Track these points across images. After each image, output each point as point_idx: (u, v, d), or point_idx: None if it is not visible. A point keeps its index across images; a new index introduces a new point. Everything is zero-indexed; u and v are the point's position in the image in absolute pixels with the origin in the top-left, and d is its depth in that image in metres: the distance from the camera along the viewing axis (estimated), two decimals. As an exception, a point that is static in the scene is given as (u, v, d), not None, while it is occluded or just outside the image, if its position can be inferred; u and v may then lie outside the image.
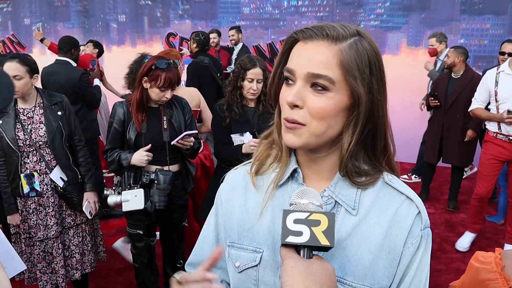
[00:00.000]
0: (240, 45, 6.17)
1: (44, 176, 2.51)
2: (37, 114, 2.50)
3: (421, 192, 4.75)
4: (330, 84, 0.75)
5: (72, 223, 2.62)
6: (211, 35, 6.09)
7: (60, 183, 2.51)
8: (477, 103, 3.51)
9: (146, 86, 2.42)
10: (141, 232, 2.61)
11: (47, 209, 2.53)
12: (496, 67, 3.45)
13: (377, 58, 0.78)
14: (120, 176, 2.53)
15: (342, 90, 0.76)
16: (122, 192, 2.45)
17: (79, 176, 2.62)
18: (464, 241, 3.70)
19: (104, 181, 4.58)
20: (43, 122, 2.48)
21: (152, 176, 2.44)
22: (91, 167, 2.71)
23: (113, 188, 2.53)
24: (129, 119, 2.46)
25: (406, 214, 0.81)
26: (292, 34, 0.80)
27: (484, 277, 1.36)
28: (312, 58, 0.75)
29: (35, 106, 2.51)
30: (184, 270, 3.02)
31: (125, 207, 2.44)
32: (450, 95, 4.26)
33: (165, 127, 2.50)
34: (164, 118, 2.50)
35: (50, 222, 2.52)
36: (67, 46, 3.92)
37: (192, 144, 2.52)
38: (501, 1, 5.41)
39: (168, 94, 2.43)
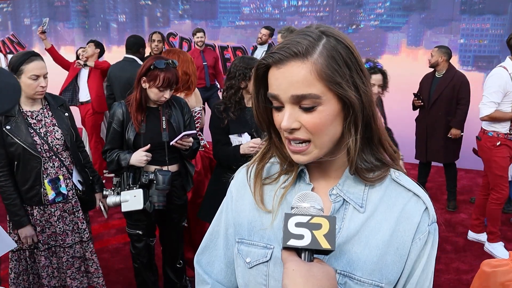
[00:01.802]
0: (266, 46, 5.84)
1: (68, 181, 2.44)
2: (47, 117, 2.37)
3: None
4: (316, 99, 0.75)
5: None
6: (198, 34, 5.96)
7: (79, 186, 2.49)
8: (493, 106, 3.36)
9: (145, 86, 2.41)
10: (140, 232, 2.61)
11: (76, 214, 2.47)
12: (502, 67, 3.35)
13: (350, 51, 0.77)
14: (119, 176, 2.52)
15: (329, 99, 0.76)
16: (121, 193, 2.45)
17: (90, 178, 2.62)
18: (502, 250, 3.61)
19: (104, 181, 4.57)
20: (56, 124, 2.37)
21: (151, 176, 2.43)
22: (94, 169, 2.70)
23: (112, 188, 2.53)
24: (128, 120, 2.45)
25: (414, 210, 0.83)
26: (262, 61, 0.79)
27: (502, 279, 1.35)
28: (290, 80, 0.75)
29: (42, 108, 2.38)
30: (184, 270, 3.01)
31: (124, 208, 2.43)
32: (432, 94, 4.33)
33: (164, 127, 2.49)
34: (163, 118, 2.50)
35: (82, 225, 2.49)
36: (136, 46, 4.31)
37: (191, 144, 2.51)
38: (501, 1, 5.41)
39: (167, 94, 2.42)
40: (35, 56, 2.29)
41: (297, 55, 0.75)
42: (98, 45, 5.29)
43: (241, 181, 0.97)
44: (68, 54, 7.78)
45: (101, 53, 5.39)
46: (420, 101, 4.40)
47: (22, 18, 8.42)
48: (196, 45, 6.04)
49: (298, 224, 0.72)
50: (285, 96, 0.76)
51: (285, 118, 0.77)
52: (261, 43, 5.84)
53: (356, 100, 0.77)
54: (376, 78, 2.97)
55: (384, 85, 3.03)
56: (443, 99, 4.27)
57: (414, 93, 4.50)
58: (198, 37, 5.96)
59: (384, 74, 2.99)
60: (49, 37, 5.42)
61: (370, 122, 0.81)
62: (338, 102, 0.77)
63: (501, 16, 5.45)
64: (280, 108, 0.79)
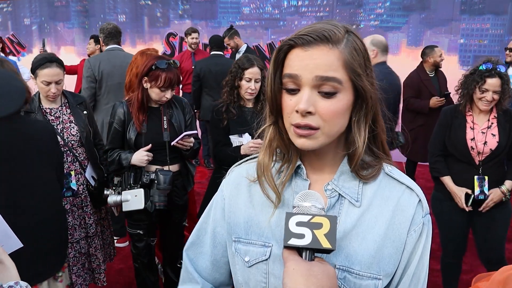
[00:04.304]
0: (244, 47, 5.50)
1: (80, 176, 2.53)
2: (65, 114, 2.49)
3: None
4: (338, 85, 0.77)
5: (98, 219, 2.67)
6: (193, 35, 5.55)
7: (92, 182, 2.54)
8: None
9: (146, 86, 2.42)
10: (141, 232, 2.61)
11: (84, 208, 2.55)
12: None
13: (365, 50, 0.81)
14: (120, 176, 2.53)
15: (347, 89, 0.79)
16: (122, 192, 2.46)
17: (105, 175, 2.66)
18: None
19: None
20: (73, 121, 2.48)
21: (152, 176, 2.44)
22: None
23: (113, 188, 2.53)
24: (129, 119, 2.46)
25: (408, 203, 0.85)
26: (288, 41, 0.80)
27: None
28: (318, 62, 0.76)
29: (61, 106, 2.50)
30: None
31: (125, 207, 2.44)
32: (442, 93, 4.37)
33: (165, 127, 2.50)
34: (164, 118, 2.50)
35: (89, 220, 2.55)
36: (222, 43, 4.97)
37: (191, 144, 2.52)
38: (501, 1, 5.41)
39: (168, 94, 2.43)
40: (50, 62, 2.37)
41: (328, 40, 0.77)
42: (98, 41, 4.98)
43: (234, 180, 0.97)
44: (68, 54, 7.79)
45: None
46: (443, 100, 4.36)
47: (22, 18, 8.42)
48: (189, 47, 5.64)
49: (299, 224, 0.73)
50: (308, 77, 0.76)
51: (303, 100, 0.77)
52: (237, 50, 5.37)
53: (372, 93, 0.80)
54: (491, 83, 2.46)
55: (503, 93, 2.47)
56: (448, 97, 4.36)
57: (445, 93, 4.40)
58: (193, 38, 5.56)
59: (503, 79, 2.46)
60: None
61: (377, 120, 0.83)
62: (353, 94, 0.80)
63: (501, 16, 5.45)
64: (294, 92, 0.79)
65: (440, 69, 4.47)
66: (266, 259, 0.87)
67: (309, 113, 0.77)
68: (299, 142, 0.80)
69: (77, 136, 2.49)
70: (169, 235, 2.79)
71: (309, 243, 0.71)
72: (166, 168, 2.50)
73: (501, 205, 2.63)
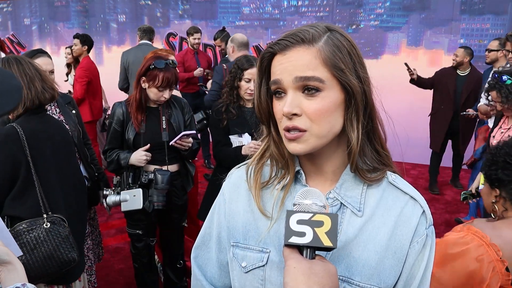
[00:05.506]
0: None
1: None
2: (55, 114, 2.46)
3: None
4: (320, 83, 0.76)
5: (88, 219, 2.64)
6: (196, 35, 5.43)
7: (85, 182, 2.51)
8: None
9: (145, 86, 2.41)
10: (140, 232, 2.61)
11: None
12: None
13: (352, 45, 0.80)
14: (119, 176, 2.52)
15: (333, 87, 0.77)
16: (121, 192, 2.45)
17: (96, 174, 2.62)
18: None
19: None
20: (63, 120, 2.44)
21: (151, 176, 2.43)
22: (100, 166, 2.73)
23: (112, 188, 2.53)
24: (128, 119, 2.45)
25: (411, 214, 0.83)
26: (268, 49, 0.81)
27: (474, 255, 1.34)
28: (295, 64, 0.77)
29: (50, 105, 2.45)
30: (184, 270, 2.98)
31: (124, 207, 2.43)
32: (461, 94, 4.45)
33: (164, 127, 2.49)
34: (163, 118, 2.50)
35: None
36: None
37: (190, 145, 2.51)
38: (501, 1, 5.41)
39: (166, 94, 2.42)
40: (41, 53, 2.44)
41: (303, 41, 0.77)
42: (84, 41, 4.86)
43: (234, 183, 0.96)
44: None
45: (89, 48, 4.97)
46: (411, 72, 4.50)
47: (22, 18, 8.42)
48: (191, 47, 5.51)
49: (300, 222, 0.72)
50: (289, 79, 0.77)
51: (287, 103, 0.77)
52: (225, 54, 4.99)
53: (359, 88, 0.77)
54: (492, 95, 2.67)
55: (508, 101, 2.59)
56: (471, 99, 4.42)
57: (405, 63, 4.51)
58: (195, 38, 5.45)
59: (500, 91, 2.60)
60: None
61: (372, 114, 0.82)
62: (341, 92, 0.78)
63: (501, 16, 5.45)
64: (281, 96, 0.80)
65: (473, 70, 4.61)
66: (263, 265, 0.85)
67: (296, 115, 0.77)
68: (291, 147, 0.80)
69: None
70: (169, 235, 2.78)
71: (310, 241, 0.71)
72: (164, 168, 2.49)
73: None
